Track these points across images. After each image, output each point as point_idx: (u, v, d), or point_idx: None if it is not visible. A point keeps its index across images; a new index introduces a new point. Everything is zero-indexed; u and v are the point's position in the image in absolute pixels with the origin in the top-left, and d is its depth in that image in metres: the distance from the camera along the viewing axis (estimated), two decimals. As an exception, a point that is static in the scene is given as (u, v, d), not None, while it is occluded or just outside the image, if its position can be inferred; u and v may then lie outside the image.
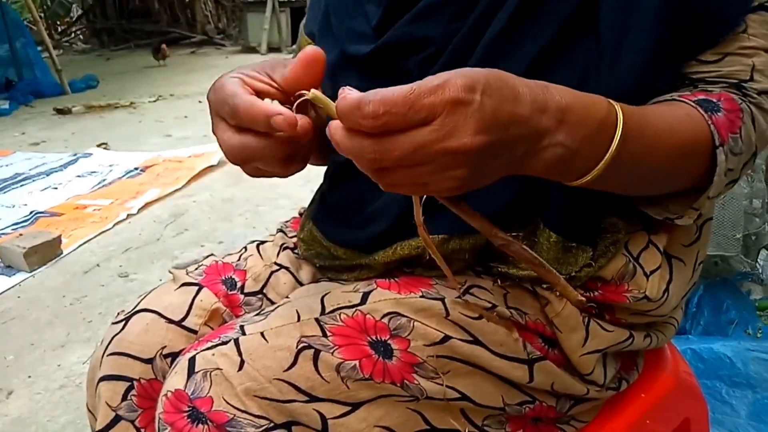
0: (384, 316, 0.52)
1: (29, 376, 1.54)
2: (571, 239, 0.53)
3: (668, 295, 0.57)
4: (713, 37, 0.50)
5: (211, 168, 3.12)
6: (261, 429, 0.48)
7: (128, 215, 2.56)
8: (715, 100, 0.48)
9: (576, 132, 0.41)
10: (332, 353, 0.50)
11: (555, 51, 0.51)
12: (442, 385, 0.51)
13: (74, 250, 2.26)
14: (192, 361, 0.51)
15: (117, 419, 0.61)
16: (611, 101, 0.44)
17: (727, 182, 0.50)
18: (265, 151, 0.46)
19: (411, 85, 0.36)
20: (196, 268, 0.68)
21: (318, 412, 0.49)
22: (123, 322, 0.63)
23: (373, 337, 0.51)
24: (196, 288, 0.65)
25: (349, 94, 0.37)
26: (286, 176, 0.51)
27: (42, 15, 8.50)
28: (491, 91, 0.37)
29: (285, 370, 0.49)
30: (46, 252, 2.15)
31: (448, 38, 0.54)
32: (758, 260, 1.40)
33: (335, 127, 0.39)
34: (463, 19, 0.54)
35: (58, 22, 11.30)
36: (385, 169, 0.38)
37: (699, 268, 0.63)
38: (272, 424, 0.48)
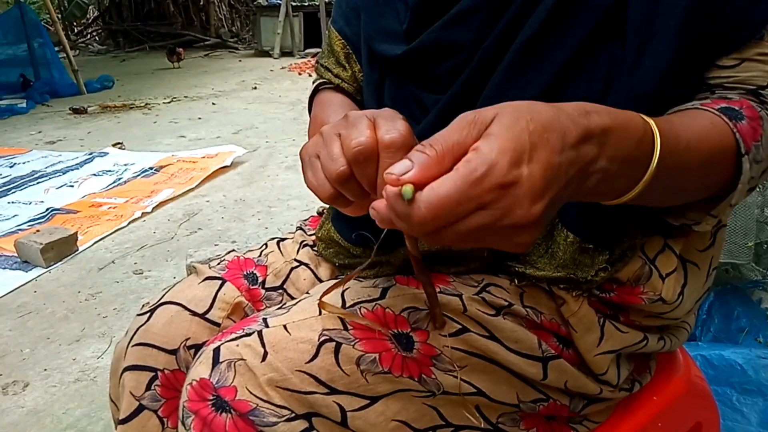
0: (403, 310, 0.54)
1: (45, 369, 1.57)
2: (588, 241, 0.54)
3: (683, 298, 0.58)
4: (733, 44, 0.50)
5: (224, 169, 3.15)
6: (282, 419, 0.49)
7: (143, 214, 2.59)
8: (737, 108, 0.48)
9: (616, 153, 0.40)
10: (353, 346, 0.51)
11: (582, 57, 0.52)
12: (458, 378, 0.52)
13: (90, 246, 2.30)
14: (217, 351, 0.52)
15: (140, 408, 0.62)
16: (644, 117, 0.43)
17: (747, 189, 0.49)
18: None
19: (456, 173, 0.35)
20: (219, 263, 0.70)
21: (337, 404, 0.50)
22: (148, 314, 0.65)
23: (394, 330, 0.53)
24: (219, 282, 0.67)
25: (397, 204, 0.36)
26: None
27: (59, 16, 8.61)
28: (538, 154, 0.35)
29: (306, 362, 0.50)
30: (63, 248, 2.18)
31: (478, 45, 0.55)
32: (770, 269, 1.39)
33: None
34: (493, 26, 0.55)
35: (75, 23, 11.45)
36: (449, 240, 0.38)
37: (713, 273, 0.64)
38: (293, 414, 0.49)
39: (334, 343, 0.51)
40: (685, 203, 0.51)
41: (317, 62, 0.77)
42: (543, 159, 0.36)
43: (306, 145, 0.48)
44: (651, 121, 0.43)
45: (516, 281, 0.58)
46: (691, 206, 0.52)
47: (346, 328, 0.52)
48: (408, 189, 0.36)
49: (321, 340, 0.52)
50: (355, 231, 0.65)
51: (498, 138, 0.36)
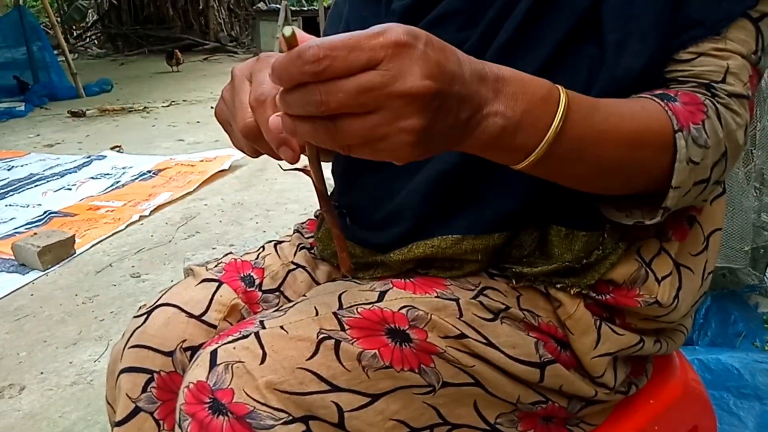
0: (402, 308, 0.54)
1: (41, 373, 1.56)
2: (579, 229, 0.55)
3: (678, 301, 0.58)
4: (691, 39, 0.51)
5: (222, 173, 3.15)
6: (280, 422, 0.49)
7: (141, 217, 2.59)
8: (672, 94, 0.49)
9: (515, 102, 0.41)
10: (352, 344, 0.51)
11: (559, 59, 0.53)
12: (458, 368, 0.53)
13: (87, 250, 2.29)
14: (214, 353, 0.52)
15: (136, 411, 0.62)
16: (557, 85, 0.44)
17: (695, 180, 0.48)
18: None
19: (351, 33, 0.36)
20: (216, 265, 0.70)
21: (336, 404, 0.50)
22: (145, 316, 0.65)
23: (392, 326, 0.53)
24: (216, 284, 0.67)
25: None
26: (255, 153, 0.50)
27: (58, 19, 8.62)
28: (433, 47, 0.36)
29: (307, 359, 0.50)
30: (60, 251, 2.18)
31: (457, 47, 0.56)
32: (766, 274, 1.40)
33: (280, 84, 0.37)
34: (471, 29, 0.56)
35: (74, 27, 11.47)
36: (335, 118, 0.36)
37: (708, 277, 0.64)
38: (291, 417, 0.49)
39: (333, 340, 0.51)
40: (630, 200, 0.52)
41: None
42: (439, 52, 0.36)
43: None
44: (561, 87, 0.44)
45: (514, 282, 0.58)
46: (640, 206, 0.52)
47: (343, 329, 0.52)
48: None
49: (320, 337, 0.52)
50: (354, 226, 0.65)
51: (393, 23, 0.37)
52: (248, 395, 0.49)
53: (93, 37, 11.21)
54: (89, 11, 11.35)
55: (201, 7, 10.22)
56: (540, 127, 0.43)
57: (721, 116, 0.49)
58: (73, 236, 2.27)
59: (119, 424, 0.62)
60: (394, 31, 0.35)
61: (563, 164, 0.46)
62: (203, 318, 0.64)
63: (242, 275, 0.69)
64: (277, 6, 8.37)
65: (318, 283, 0.71)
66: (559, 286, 0.57)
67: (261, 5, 9.26)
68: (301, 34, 0.38)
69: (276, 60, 0.36)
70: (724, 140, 0.49)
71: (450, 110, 0.38)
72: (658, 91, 0.50)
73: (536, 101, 0.42)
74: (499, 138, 0.42)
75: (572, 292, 0.56)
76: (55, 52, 6.25)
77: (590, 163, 0.47)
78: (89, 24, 11.44)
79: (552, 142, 0.43)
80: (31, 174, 3.29)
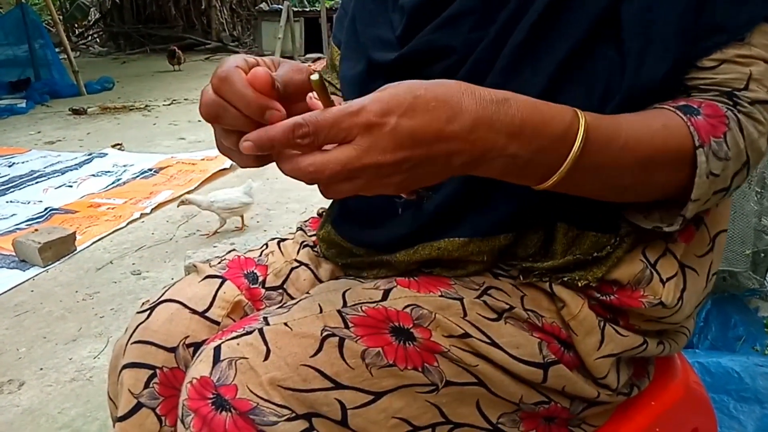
0: (406, 307, 0.54)
1: (41, 369, 1.56)
2: (589, 229, 0.55)
3: (682, 302, 0.58)
4: (714, 45, 0.50)
5: (223, 171, 3.16)
6: (283, 418, 0.49)
7: (141, 215, 2.60)
8: (695, 106, 0.49)
9: (529, 144, 0.44)
10: (356, 342, 0.51)
11: (576, 61, 0.52)
12: (461, 367, 0.53)
13: (88, 247, 2.30)
14: (217, 349, 0.52)
15: (138, 406, 0.62)
16: (580, 112, 0.46)
17: (715, 189, 0.49)
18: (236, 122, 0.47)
19: (340, 107, 0.41)
20: (219, 262, 0.70)
21: (339, 401, 0.50)
22: (148, 312, 0.65)
23: (396, 324, 0.53)
24: (220, 281, 0.67)
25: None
26: (246, 165, 0.52)
27: (60, 18, 8.63)
28: (413, 113, 0.41)
29: (311, 356, 0.50)
30: (61, 248, 2.18)
31: (470, 47, 0.56)
32: (767, 277, 1.40)
33: (277, 155, 0.44)
34: (484, 29, 0.55)
35: (76, 25, 11.48)
36: (327, 184, 0.43)
37: (712, 279, 0.64)
38: (294, 414, 0.49)
39: (338, 338, 0.51)
40: (653, 205, 0.53)
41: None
42: (419, 119, 0.41)
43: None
44: (583, 116, 0.46)
45: (521, 278, 0.58)
46: (660, 209, 0.52)
47: (347, 326, 0.52)
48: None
49: (324, 335, 0.52)
50: (355, 232, 0.65)
51: (379, 94, 0.42)
52: (252, 391, 0.49)
53: (95, 35, 11.21)
54: (91, 9, 11.37)
55: (203, 7, 10.23)
56: (554, 162, 0.45)
57: (743, 127, 0.49)
58: (74, 233, 2.27)
59: (121, 419, 0.62)
60: (368, 110, 0.41)
61: (578, 187, 0.48)
62: (206, 314, 0.64)
63: (245, 272, 0.69)
64: (279, 6, 8.39)
65: (321, 281, 0.71)
66: (566, 279, 0.56)
67: (263, 5, 9.28)
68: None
69: (276, 132, 0.42)
70: (745, 150, 0.49)
71: (434, 162, 0.43)
72: (681, 102, 0.49)
73: (553, 140, 0.45)
74: (510, 172, 0.45)
75: (580, 284, 0.56)
76: (57, 49, 6.26)
77: (606, 184, 0.49)
78: (91, 22, 11.45)
79: (565, 174, 0.46)
80: (32, 171, 3.29)
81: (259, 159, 0.48)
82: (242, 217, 2.42)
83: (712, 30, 0.50)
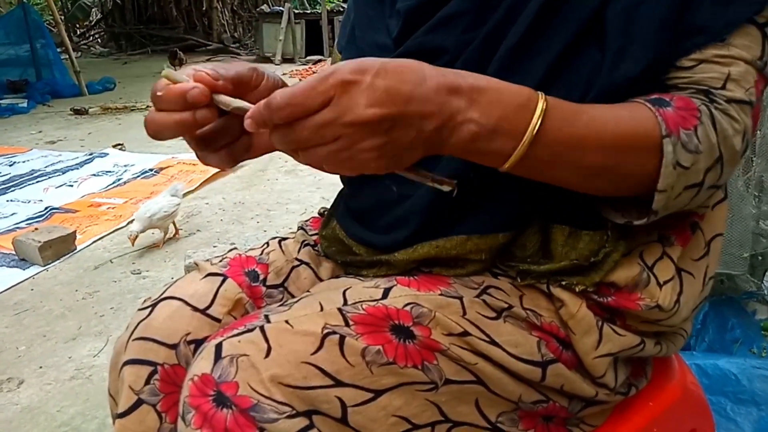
0: (406, 305, 0.54)
1: (40, 367, 1.56)
2: (583, 228, 0.56)
3: (679, 306, 0.58)
4: (694, 46, 0.51)
5: (224, 172, 3.16)
6: (283, 416, 0.49)
7: (141, 215, 2.60)
8: (667, 99, 0.49)
9: (490, 110, 0.45)
10: (356, 340, 0.52)
11: (563, 63, 0.53)
12: (460, 366, 0.53)
13: (88, 246, 2.30)
14: (219, 347, 0.52)
15: (139, 402, 0.62)
16: (539, 92, 0.47)
17: (686, 184, 0.49)
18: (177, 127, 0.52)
19: (309, 77, 0.43)
20: (221, 260, 0.71)
21: (339, 399, 0.51)
22: (149, 309, 0.65)
23: (396, 322, 0.53)
24: (221, 278, 0.67)
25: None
26: (226, 164, 0.57)
27: (62, 18, 8.64)
28: (385, 74, 0.42)
29: (312, 354, 0.51)
30: (61, 247, 2.18)
31: (461, 49, 0.57)
32: (764, 281, 1.40)
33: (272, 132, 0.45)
34: (475, 30, 0.56)
35: (78, 25, 11.49)
36: (306, 150, 0.44)
37: (709, 282, 0.64)
38: (294, 412, 0.49)
39: (338, 336, 0.52)
40: (625, 200, 0.53)
41: None
42: (391, 79, 0.42)
43: None
44: (542, 94, 0.47)
45: (518, 280, 0.59)
46: (635, 206, 0.52)
47: (347, 324, 0.53)
48: None
49: (325, 333, 0.52)
50: (361, 228, 0.65)
51: (346, 61, 0.43)
52: (252, 389, 0.49)
53: (96, 35, 11.22)
54: (93, 10, 11.38)
55: (204, 8, 10.25)
56: (516, 132, 0.46)
57: (716, 122, 0.49)
58: (74, 232, 2.28)
59: (121, 416, 0.62)
60: (341, 71, 0.42)
61: (544, 166, 0.48)
62: (208, 312, 0.64)
63: (246, 270, 0.69)
64: (281, 8, 8.41)
65: (321, 280, 0.71)
66: (564, 283, 0.57)
67: (264, 7, 9.29)
68: (178, 76, 0.50)
69: (254, 109, 0.45)
70: (718, 146, 0.49)
71: (409, 125, 0.43)
72: (653, 96, 0.50)
73: (513, 108, 0.45)
74: (474, 143, 0.45)
75: (577, 290, 0.57)
76: (59, 50, 6.26)
77: (572, 166, 0.49)
78: (93, 23, 11.46)
79: (528, 146, 0.46)
80: (32, 170, 3.29)
81: (232, 159, 0.55)
82: (174, 222, 2.36)
83: (694, 31, 0.50)
